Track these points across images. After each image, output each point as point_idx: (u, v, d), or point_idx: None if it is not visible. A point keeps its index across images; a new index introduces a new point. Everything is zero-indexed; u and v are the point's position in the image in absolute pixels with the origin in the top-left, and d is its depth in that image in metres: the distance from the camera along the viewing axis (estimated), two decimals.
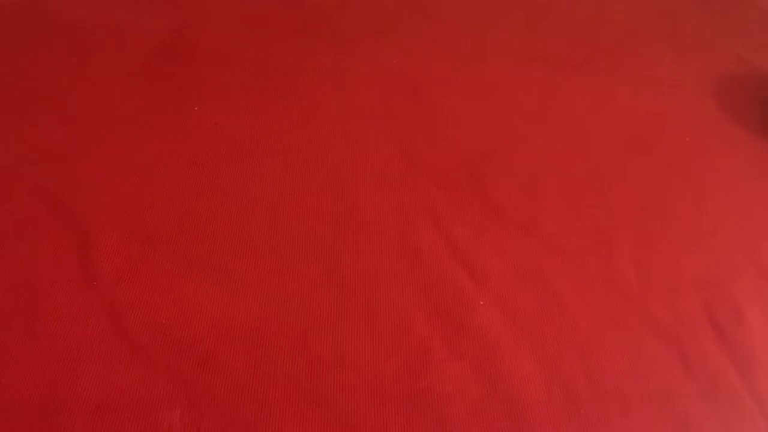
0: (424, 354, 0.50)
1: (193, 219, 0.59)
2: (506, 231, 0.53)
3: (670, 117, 0.50)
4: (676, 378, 0.42)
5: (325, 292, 0.53)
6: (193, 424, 0.44)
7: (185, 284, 0.53)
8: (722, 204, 0.50)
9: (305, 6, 0.53)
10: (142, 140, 0.61)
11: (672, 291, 0.47)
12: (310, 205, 0.61)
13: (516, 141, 0.59)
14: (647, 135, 0.49)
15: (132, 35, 0.57)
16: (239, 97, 0.66)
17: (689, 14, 0.49)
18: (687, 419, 0.40)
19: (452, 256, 0.56)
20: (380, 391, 0.46)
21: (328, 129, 0.68)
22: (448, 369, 0.49)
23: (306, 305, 0.52)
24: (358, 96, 0.69)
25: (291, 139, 0.67)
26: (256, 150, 0.65)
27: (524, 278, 0.53)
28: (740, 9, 0.49)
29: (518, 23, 0.56)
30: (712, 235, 0.48)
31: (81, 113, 0.55)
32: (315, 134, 0.67)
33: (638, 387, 0.42)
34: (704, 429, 0.40)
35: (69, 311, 0.51)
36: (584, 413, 0.45)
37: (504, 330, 0.49)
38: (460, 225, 0.58)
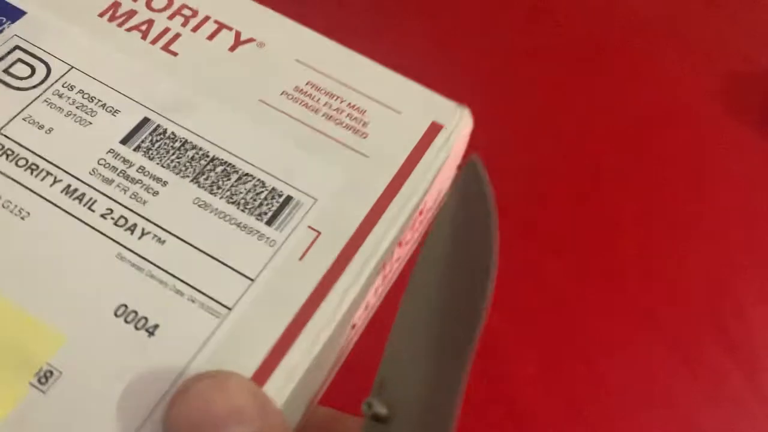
0: None
1: None
2: (505, 230, 0.47)
3: (674, 116, 0.45)
4: (680, 381, 0.40)
5: None
6: None
7: None
8: (727, 204, 0.46)
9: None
10: None
11: (676, 292, 0.43)
12: None
13: (516, 138, 0.52)
14: (651, 133, 0.44)
15: None
16: None
17: (694, 12, 0.44)
18: (691, 422, 0.38)
19: None
20: None
21: None
22: None
23: None
24: None
25: None
26: None
27: (524, 278, 0.48)
28: (746, 7, 0.45)
29: (519, 19, 0.48)
30: (716, 235, 0.44)
31: None
32: None
33: (641, 389, 0.39)
34: None
35: None
36: (586, 415, 0.43)
37: (505, 331, 0.44)
38: None
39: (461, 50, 0.48)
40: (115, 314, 0.16)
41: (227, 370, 0.15)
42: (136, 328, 0.16)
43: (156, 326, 0.16)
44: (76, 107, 0.19)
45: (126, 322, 0.16)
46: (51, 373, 0.15)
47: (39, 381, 0.15)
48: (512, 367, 0.48)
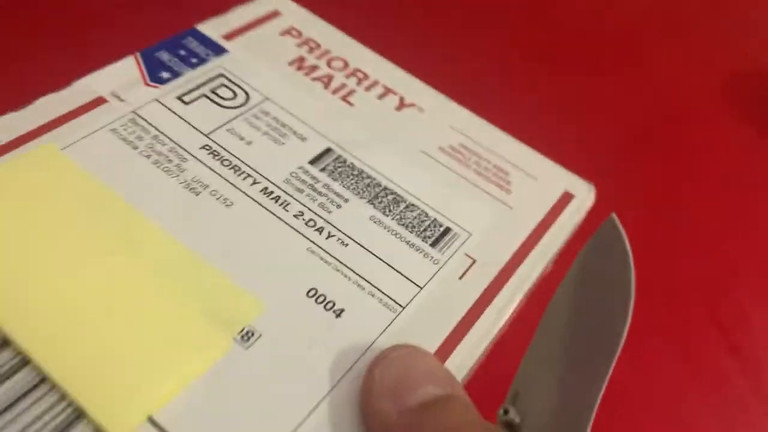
0: None
1: None
2: None
3: (675, 116, 0.46)
4: (680, 381, 0.40)
5: None
6: None
7: None
8: (728, 204, 0.47)
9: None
10: None
11: (676, 293, 0.43)
12: None
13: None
14: (652, 134, 0.46)
15: None
16: None
17: (694, 12, 0.45)
18: (691, 422, 0.38)
19: None
20: None
21: None
22: None
23: None
24: None
25: None
26: None
27: None
28: (746, 7, 0.47)
29: (519, 21, 0.49)
30: (717, 236, 0.45)
31: None
32: None
33: (641, 389, 0.39)
34: None
35: None
36: None
37: (504, 331, 0.45)
38: None
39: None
40: (307, 295, 0.18)
41: (415, 345, 0.17)
42: (325, 309, 0.18)
43: (342, 310, 0.18)
44: (271, 129, 0.22)
45: (317, 303, 0.18)
46: (252, 333, 0.17)
47: (242, 338, 0.17)
48: (512, 367, 0.46)
